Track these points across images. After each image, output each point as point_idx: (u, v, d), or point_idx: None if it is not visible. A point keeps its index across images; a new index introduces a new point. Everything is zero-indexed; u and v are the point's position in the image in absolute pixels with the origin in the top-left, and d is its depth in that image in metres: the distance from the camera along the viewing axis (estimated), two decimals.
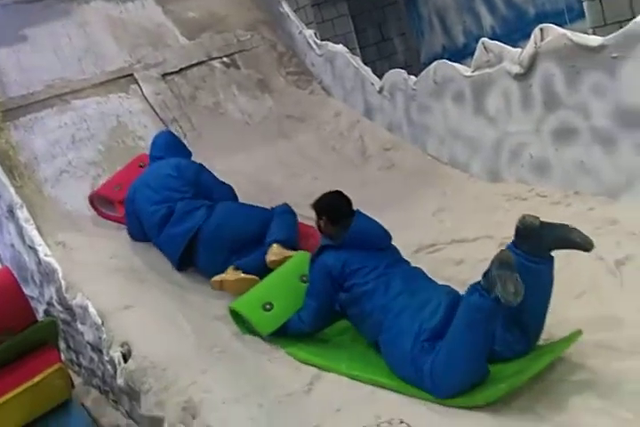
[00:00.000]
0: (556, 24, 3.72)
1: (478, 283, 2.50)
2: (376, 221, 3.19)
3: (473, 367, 2.51)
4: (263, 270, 3.57)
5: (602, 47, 3.33)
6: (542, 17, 6.76)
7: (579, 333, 2.59)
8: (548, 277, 2.62)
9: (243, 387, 2.77)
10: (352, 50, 8.01)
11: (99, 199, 4.63)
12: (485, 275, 2.47)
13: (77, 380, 3.97)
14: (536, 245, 2.58)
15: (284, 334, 3.21)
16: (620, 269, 3.10)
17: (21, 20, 5.60)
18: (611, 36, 3.34)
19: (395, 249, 3.17)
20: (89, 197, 4.62)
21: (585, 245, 2.61)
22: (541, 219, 2.63)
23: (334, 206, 3.22)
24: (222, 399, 2.66)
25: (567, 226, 2.64)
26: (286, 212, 3.96)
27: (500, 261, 2.42)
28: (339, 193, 3.29)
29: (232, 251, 3.76)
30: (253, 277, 3.54)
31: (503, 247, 2.65)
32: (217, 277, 3.59)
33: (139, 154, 4.86)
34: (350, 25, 8.62)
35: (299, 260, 3.46)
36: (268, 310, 3.24)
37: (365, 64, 5.62)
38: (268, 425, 2.51)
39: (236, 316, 3.34)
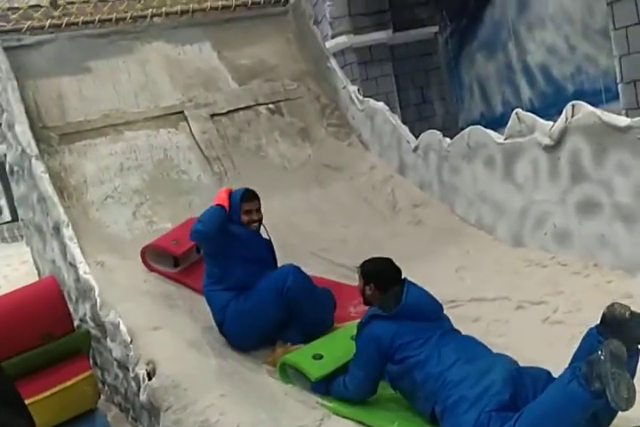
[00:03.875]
0: (593, 103, 3.92)
1: (579, 368, 2.28)
2: (427, 291, 3.06)
3: None
4: (306, 339, 3.57)
5: (629, 128, 3.52)
6: (580, 95, 7.04)
7: None
8: (632, 369, 2.35)
9: (258, 414, 2.86)
10: (392, 109, 8.30)
11: (152, 253, 4.55)
12: (591, 363, 2.23)
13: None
14: (623, 336, 2.33)
15: (328, 395, 3.13)
16: None
17: (87, 53, 5.88)
18: (638, 118, 3.53)
19: (447, 319, 3.02)
20: (141, 250, 4.51)
21: None
22: (632, 309, 2.39)
23: (385, 273, 3.09)
24: (237, 423, 2.75)
25: None
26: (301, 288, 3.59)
27: (612, 355, 2.19)
28: (389, 260, 3.16)
29: (260, 338, 3.67)
30: (302, 345, 3.49)
31: (588, 328, 2.46)
32: (269, 359, 3.54)
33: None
34: (393, 85, 8.99)
35: (351, 327, 3.37)
36: (318, 359, 3.20)
37: (404, 123, 5.84)
38: None
39: (284, 371, 3.32)
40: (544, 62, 7.81)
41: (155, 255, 4.54)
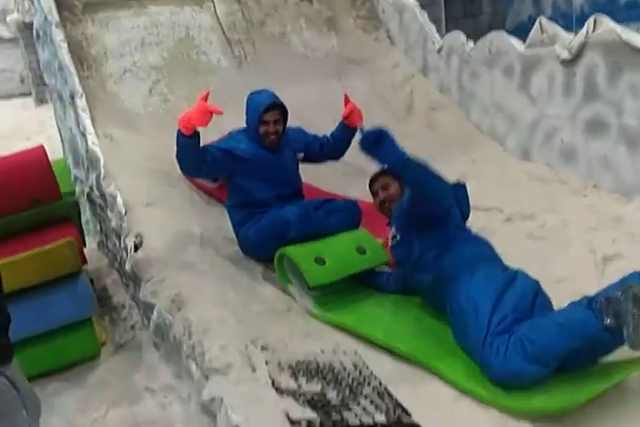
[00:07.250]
0: None
1: (596, 301, 2.32)
2: None
3: (544, 365, 2.34)
4: None
5: None
6: (632, 5, 6.64)
7: None
8: None
9: (229, 296, 3.03)
10: (437, 2, 7.97)
11: None
12: (609, 300, 2.26)
13: (104, 261, 4.36)
14: None
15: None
16: (605, 265, 3.25)
17: None
18: None
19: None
20: None
21: None
22: None
23: None
24: (206, 300, 2.92)
25: None
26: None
27: (634, 297, 2.19)
28: None
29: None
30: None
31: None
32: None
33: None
34: None
35: (358, 234, 3.39)
36: (320, 264, 3.11)
37: (448, 19, 5.58)
38: (239, 329, 2.77)
39: (281, 264, 3.27)
40: None
41: None
